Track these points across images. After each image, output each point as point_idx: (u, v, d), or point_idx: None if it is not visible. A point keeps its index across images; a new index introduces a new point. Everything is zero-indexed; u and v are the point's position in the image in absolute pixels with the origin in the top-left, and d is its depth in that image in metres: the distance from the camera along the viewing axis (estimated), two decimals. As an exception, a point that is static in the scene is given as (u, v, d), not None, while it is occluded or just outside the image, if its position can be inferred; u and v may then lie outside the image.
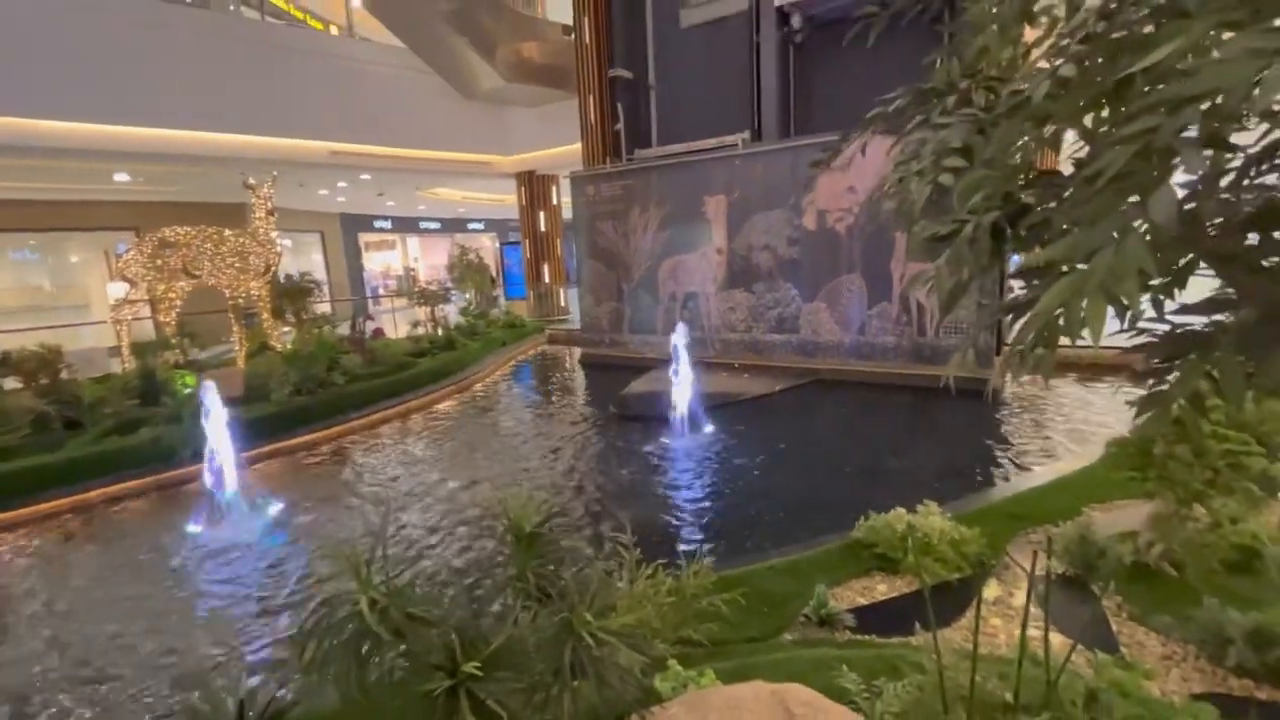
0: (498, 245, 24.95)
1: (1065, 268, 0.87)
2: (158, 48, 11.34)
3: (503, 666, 1.64)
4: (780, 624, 3.15)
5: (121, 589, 4.50)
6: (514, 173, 17.21)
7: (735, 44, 10.80)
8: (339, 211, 23.18)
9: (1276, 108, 0.71)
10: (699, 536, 4.67)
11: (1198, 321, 1.01)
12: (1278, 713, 2.37)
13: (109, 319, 9.76)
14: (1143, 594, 3.11)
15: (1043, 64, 1.17)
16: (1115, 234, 0.72)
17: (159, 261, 9.29)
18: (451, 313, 14.08)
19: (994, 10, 1.36)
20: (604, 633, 1.80)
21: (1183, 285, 1.05)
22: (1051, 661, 1.90)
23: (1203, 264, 0.92)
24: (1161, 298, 1.14)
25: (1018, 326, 1.12)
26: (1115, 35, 0.81)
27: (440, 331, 12.70)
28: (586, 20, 12.07)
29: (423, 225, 28.58)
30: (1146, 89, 0.73)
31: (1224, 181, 0.92)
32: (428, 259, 29.53)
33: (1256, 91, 0.59)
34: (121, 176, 13.57)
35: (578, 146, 12.96)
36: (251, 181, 10.10)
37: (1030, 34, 1.43)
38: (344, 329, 11.51)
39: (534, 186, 17.30)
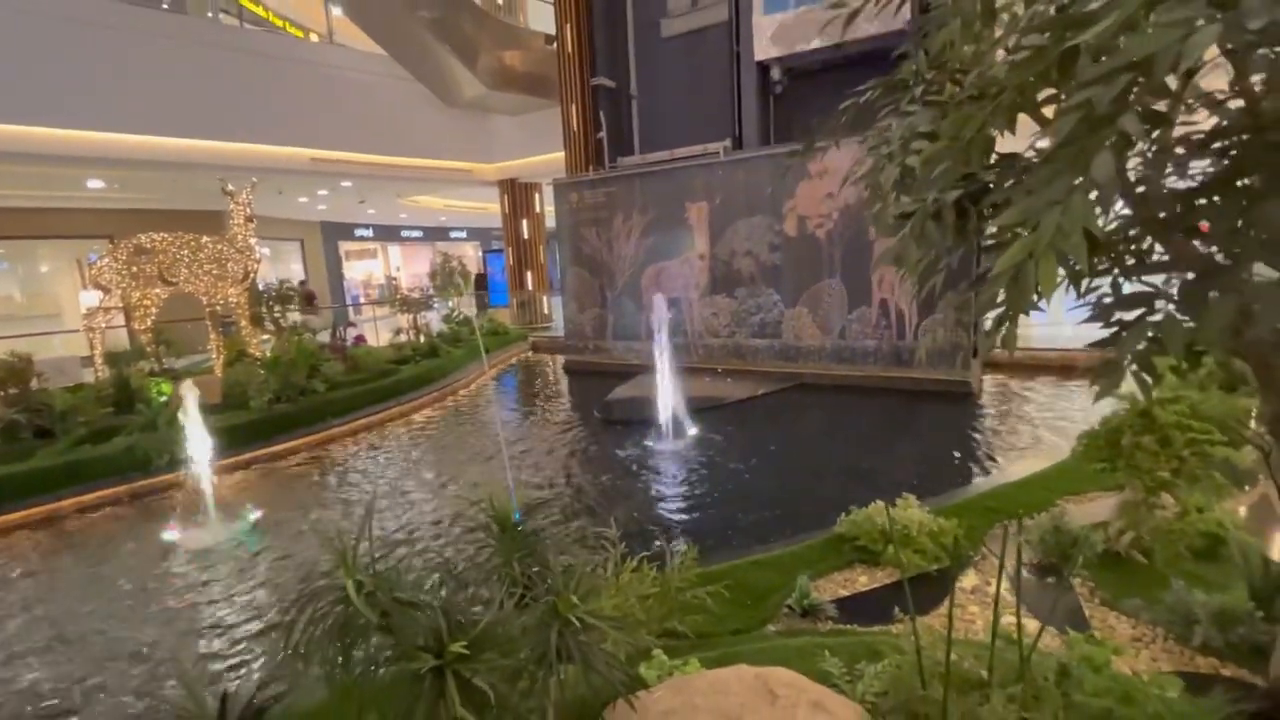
0: (480, 253, 24.93)
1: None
2: (134, 53, 11.22)
3: (489, 648, 1.65)
4: (764, 616, 3.18)
5: (92, 595, 4.41)
6: (496, 180, 17.23)
7: (716, 54, 10.99)
8: (319, 220, 22.98)
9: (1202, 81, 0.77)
10: (683, 534, 4.70)
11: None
12: (1241, 688, 2.46)
13: (81, 327, 9.57)
14: (1113, 580, 3.20)
15: (1002, 54, 1.24)
16: (1061, 196, 0.77)
17: (134, 268, 9.13)
18: (434, 320, 14.00)
19: (958, 5, 1.43)
20: (590, 617, 1.83)
21: (1138, 255, 1.11)
22: (1025, 642, 1.96)
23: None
24: (1119, 276, 1.21)
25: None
26: (1061, 15, 0.88)
27: (423, 339, 12.63)
28: (568, 29, 12.19)
29: (404, 234, 28.42)
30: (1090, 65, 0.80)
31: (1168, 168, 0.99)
32: (410, 268, 29.33)
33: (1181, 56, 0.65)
34: (95, 183, 13.34)
35: (560, 154, 13.03)
36: (230, 188, 9.99)
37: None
38: (324, 336, 11.40)
39: (517, 194, 17.33)
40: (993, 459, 5.90)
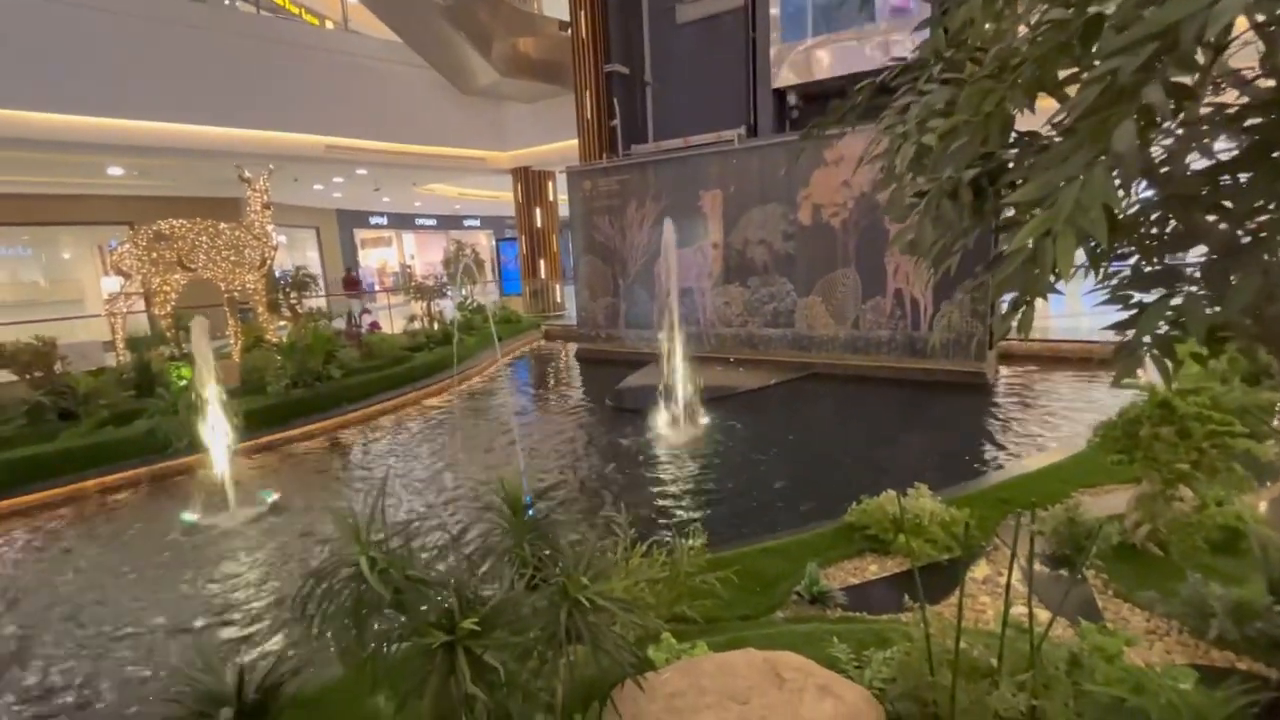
0: (494, 242, 24.98)
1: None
2: (152, 40, 11.31)
3: (499, 626, 1.67)
4: (772, 603, 3.19)
5: (116, 570, 4.52)
6: (510, 169, 17.21)
7: (731, 40, 10.86)
8: (335, 207, 23.14)
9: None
10: (692, 521, 4.71)
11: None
12: (1257, 681, 2.43)
13: (103, 312, 9.74)
14: (1128, 573, 3.16)
15: (1024, 30, 1.21)
16: (1080, 171, 0.76)
17: (154, 254, 9.26)
18: (448, 308, 14.08)
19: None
20: (600, 599, 1.84)
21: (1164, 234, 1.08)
22: (1035, 632, 1.95)
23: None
24: (1143, 262, 1.18)
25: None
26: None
27: (436, 326, 12.71)
28: (583, 15, 12.10)
29: (419, 222, 28.54)
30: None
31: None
32: (424, 256, 29.49)
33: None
34: (115, 170, 13.52)
35: (574, 142, 12.98)
36: (247, 175, 10.08)
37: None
38: (340, 323, 11.51)
39: (530, 182, 17.31)
40: (1006, 450, 5.84)
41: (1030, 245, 0.84)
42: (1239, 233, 0.91)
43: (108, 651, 3.59)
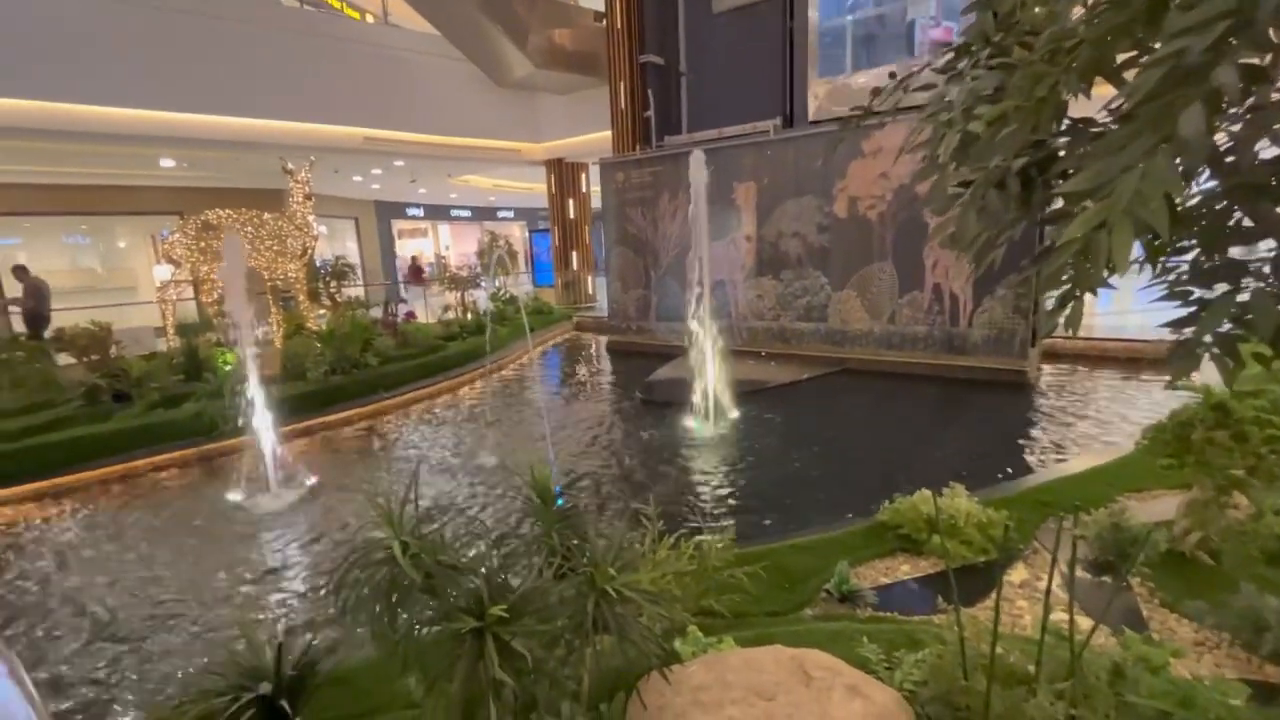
0: (527, 233, 25.19)
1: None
2: (203, 35, 11.67)
3: (527, 614, 1.69)
4: (801, 600, 3.16)
5: (167, 542, 4.73)
6: (544, 160, 17.30)
7: (768, 29, 10.68)
8: (373, 199, 23.61)
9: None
10: (720, 515, 4.69)
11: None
12: (1315, 701, 2.31)
13: (155, 299, 10.15)
14: (1176, 582, 3.04)
15: (1079, 11, 1.15)
16: (1140, 159, 0.72)
17: (202, 243, 9.60)
18: (481, 298, 14.27)
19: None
20: (627, 590, 1.85)
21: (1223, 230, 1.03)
22: (1076, 639, 1.88)
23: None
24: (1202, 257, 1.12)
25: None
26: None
27: (470, 316, 12.89)
28: (618, 6, 12.05)
29: (454, 213, 28.93)
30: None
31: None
32: (458, 247, 29.90)
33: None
34: (167, 162, 14.02)
35: (608, 134, 12.96)
36: (290, 166, 10.35)
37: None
38: (377, 312, 11.76)
39: (563, 174, 17.37)
40: (1048, 451, 5.65)
41: (1082, 237, 0.80)
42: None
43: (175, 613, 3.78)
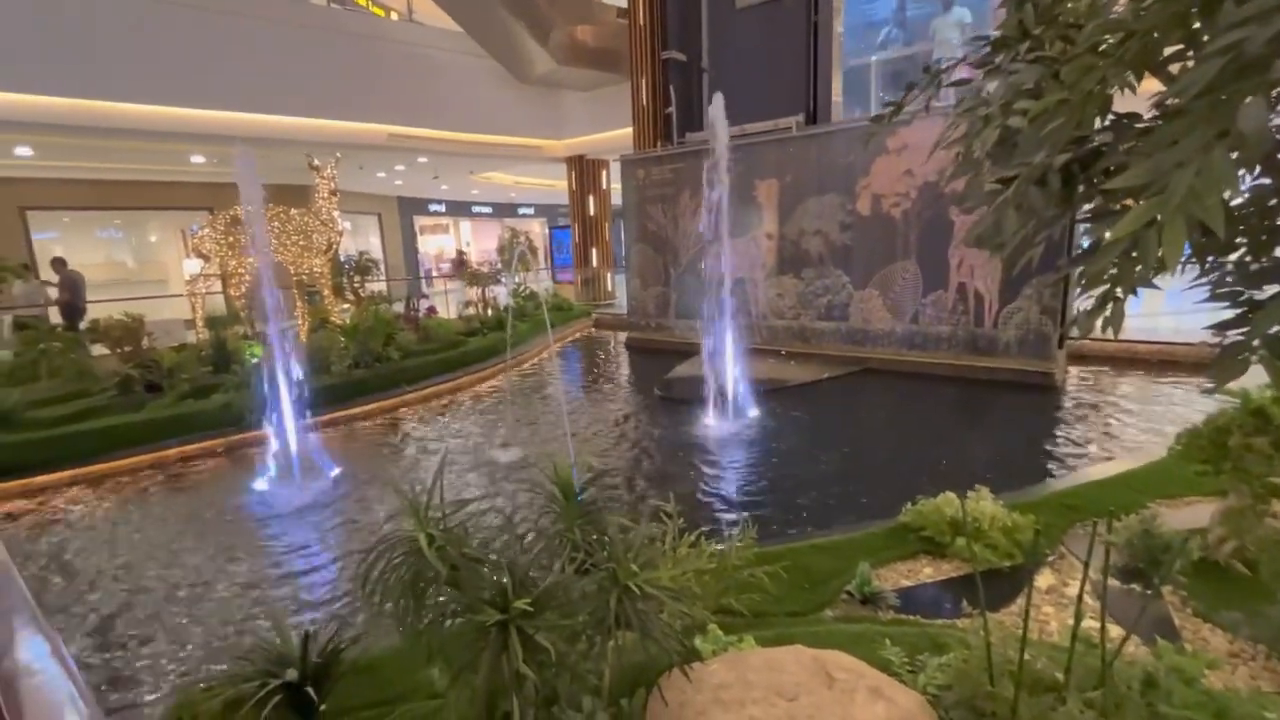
0: (547, 230, 25.28)
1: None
2: (232, 33, 11.88)
3: (550, 608, 1.70)
4: (822, 600, 3.13)
5: (195, 530, 4.84)
6: (565, 157, 17.34)
7: (792, 25, 10.58)
8: (396, 195, 23.87)
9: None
10: (739, 513, 4.67)
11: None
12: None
13: (185, 292, 10.37)
14: (1209, 591, 2.96)
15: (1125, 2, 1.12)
16: (1194, 155, 0.69)
17: (230, 238, 9.79)
18: (501, 294, 14.36)
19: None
20: (649, 586, 1.85)
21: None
22: (1107, 647, 1.84)
23: None
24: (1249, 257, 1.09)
25: (1080, 304, 1.08)
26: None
27: (490, 312, 12.98)
28: (641, 2, 12.01)
29: (475, 209, 29.14)
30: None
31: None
32: (479, 243, 30.11)
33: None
34: (198, 159, 14.32)
35: (628, 131, 12.95)
36: (316, 163, 10.50)
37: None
38: (399, 307, 11.89)
39: (584, 171, 17.40)
40: (1074, 455, 5.54)
41: (1131, 235, 0.78)
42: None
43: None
